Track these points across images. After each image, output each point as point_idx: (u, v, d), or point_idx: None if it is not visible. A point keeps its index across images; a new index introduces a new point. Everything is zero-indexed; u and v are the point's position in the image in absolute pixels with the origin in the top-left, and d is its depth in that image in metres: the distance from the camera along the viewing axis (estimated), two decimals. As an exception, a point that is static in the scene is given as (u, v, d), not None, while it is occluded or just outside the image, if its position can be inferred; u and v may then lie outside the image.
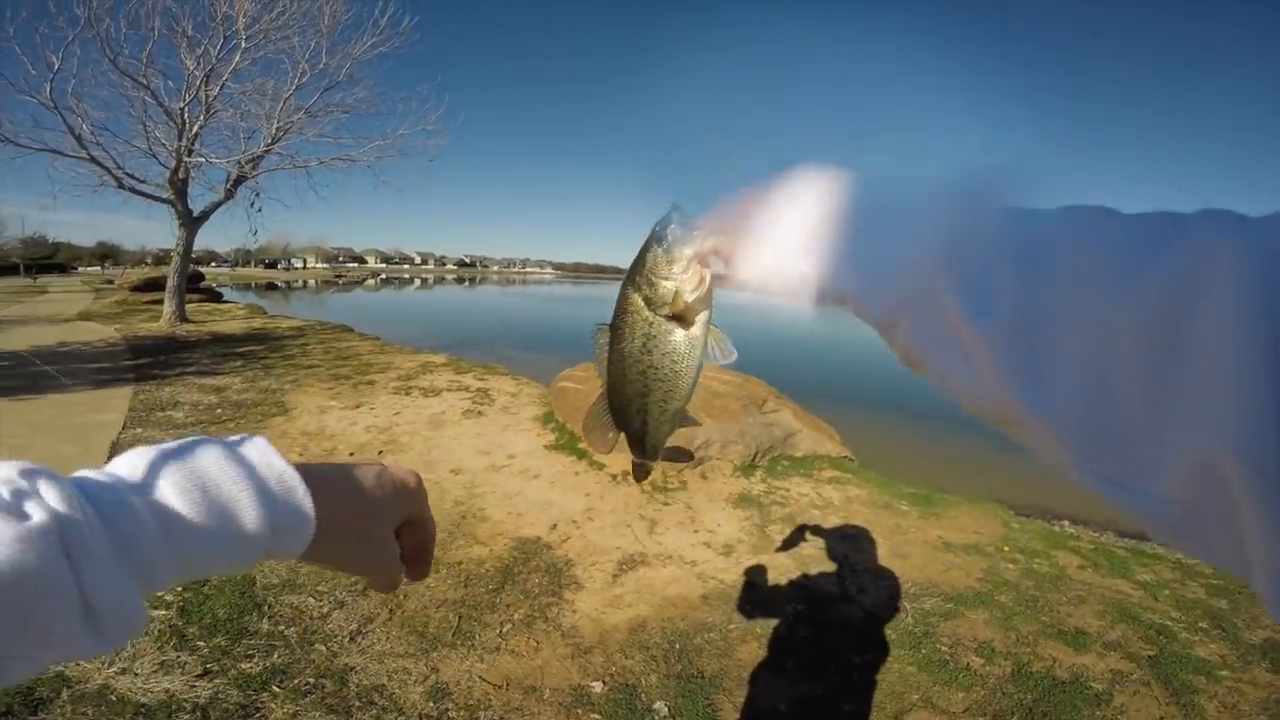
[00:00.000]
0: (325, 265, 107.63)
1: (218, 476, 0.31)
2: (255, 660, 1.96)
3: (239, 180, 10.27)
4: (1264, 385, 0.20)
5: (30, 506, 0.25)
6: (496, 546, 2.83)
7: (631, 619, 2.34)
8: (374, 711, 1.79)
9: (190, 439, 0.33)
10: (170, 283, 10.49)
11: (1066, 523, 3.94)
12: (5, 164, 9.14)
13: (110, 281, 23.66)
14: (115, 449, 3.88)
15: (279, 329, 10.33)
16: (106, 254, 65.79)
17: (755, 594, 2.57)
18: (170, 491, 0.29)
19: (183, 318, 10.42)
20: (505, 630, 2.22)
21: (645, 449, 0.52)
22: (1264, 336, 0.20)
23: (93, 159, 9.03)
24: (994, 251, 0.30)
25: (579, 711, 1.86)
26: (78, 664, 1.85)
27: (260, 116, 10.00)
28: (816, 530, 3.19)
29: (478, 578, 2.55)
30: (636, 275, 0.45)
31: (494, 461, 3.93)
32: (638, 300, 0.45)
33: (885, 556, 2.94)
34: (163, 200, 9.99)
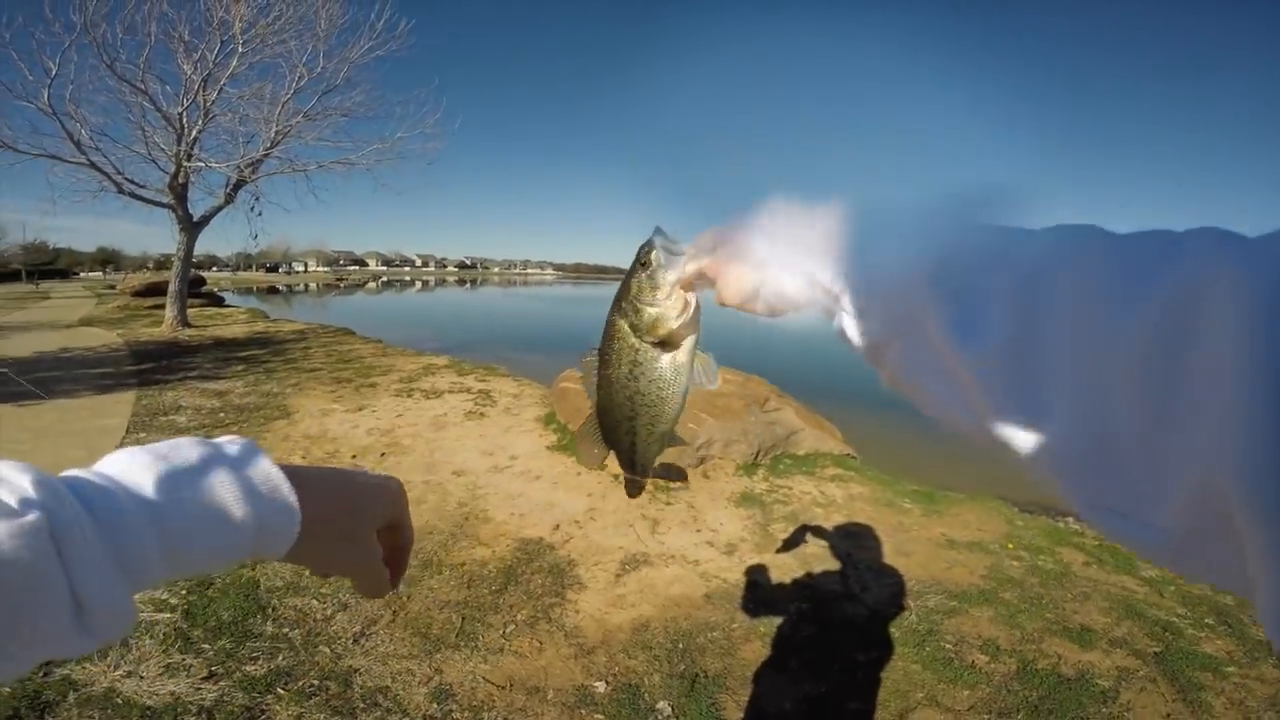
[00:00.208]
0: (326, 269, 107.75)
1: (205, 476, 0.32)
2: (260, 663, 1.96)
3: (239, 184, 10.28)
4: (1263, 410, 0.20)
5: (21, 504, 0.25)
6: (499, 547, 2.83)
7: (634, 619, 2.34)
8: (378, 713, 1.79)
9: (178, 439, 0.34)
10: (172, 287, 10.51)
11: (1070, 519, 3.93)
12: (5, 170, 9.17)
13: (112, 287, 23.71)
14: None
15: (281, 333, 10.35)
16: (108, 259, 65.96)
17: (758, 593, 2.56)
18: (159, 490, 0.30)
19: (185, 322, 10.44)
20: (508, 631, 2.22)
21: (635, 467, 0.53)
22: (1262, 362, 0.20)
23: (92, 164, 9.04)
24: (984, 275, 0.29)
25: (582, 712, 1.85)
26: (84, 666, 1.85)
27: (259, 121, 10.01)
28: (819, 529, 3.18)
29: (481, 579, 2.55)
30: (622, 302, 0.45)
31: (496, 463, 3.93)
32: (624, 326, 0.46)
33: (889, 554, 2.94)
34: (163, 205, 10.00)
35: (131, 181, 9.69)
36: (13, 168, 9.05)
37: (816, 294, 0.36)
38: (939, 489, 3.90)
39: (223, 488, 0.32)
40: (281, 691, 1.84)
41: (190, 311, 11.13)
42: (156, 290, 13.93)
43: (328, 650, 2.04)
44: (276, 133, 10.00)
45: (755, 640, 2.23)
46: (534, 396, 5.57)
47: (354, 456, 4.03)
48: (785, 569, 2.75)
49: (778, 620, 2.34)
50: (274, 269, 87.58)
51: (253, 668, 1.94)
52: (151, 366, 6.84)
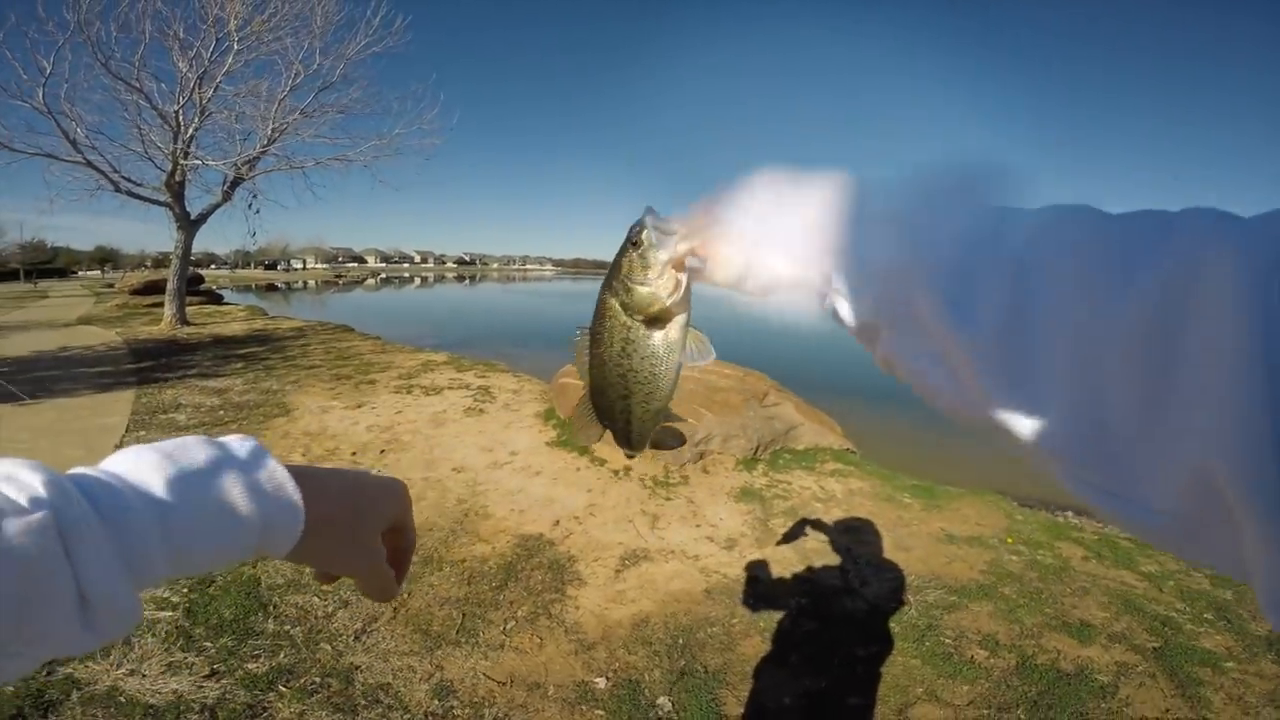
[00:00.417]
0: (325, 265, 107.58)
1: (211, 474, 0.32)
2: (261, 660, 1.97)
3: (236, 182, 10.25)
4: (1257, 392, 0.19)
5: (31, 502, 0.26)
6: (499, 544, 2.84)
7: (634, 614, 2.35)
8: (379, 710, 1.80)
9: (184, 438, 0.34)
10: (170, 286, 10.49)
11: (1070, 514, 3.93)
12: (2, 169, 9.12)
13: (110, 285, 23.69)
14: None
15: (280, 330, 10.34)
16: (106, 258, 65.81)
17: (758, 588, 2.57)
18: (165, 488, 0.30)
19: (183, 320, 10.43)
20: (509, 627, 2.23)
21: (631, 444, 0.53)
22: (1257, 343, 0.20)
23: (89, 163, 9.00)
24: (977, 256, 0.29)
25: (583, 708, 1.86)
26: (86, 665, 1.86)
27: (255, 118, 9.97)
28: (819, 523, 3.19)
29: (481, 575, 2.56)
30: (613, 281, 0.45)
31: (496, 459, 3.94)
32: (615, 305, 0.46)
33: (888, 549, 2.94)
34: (160, 203, 9.97)
35: (128, 180, 9.66)
36: (9, 167, 9.02)
37: (808, 274, 0.36)
38: (939, 484, 3.90)
39: (229, 486, 0.32)
40: (283, 689, 1.85)
41: (189, 309, 11.12)
42: (155, 288, 13.91)
43: (329, 647, 2.05)
44: (273, 130, 9.96)
45: (755, 635, 2.24)
46: (533, 392, 5.57)
47: (353, 454, 4.03)
48: (785, 564, 2.76)
49: (778, 615, 2.35)
50: (272, 266, 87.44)
51: (254, 665, 1.94)
52: (150, 365, 6.84)
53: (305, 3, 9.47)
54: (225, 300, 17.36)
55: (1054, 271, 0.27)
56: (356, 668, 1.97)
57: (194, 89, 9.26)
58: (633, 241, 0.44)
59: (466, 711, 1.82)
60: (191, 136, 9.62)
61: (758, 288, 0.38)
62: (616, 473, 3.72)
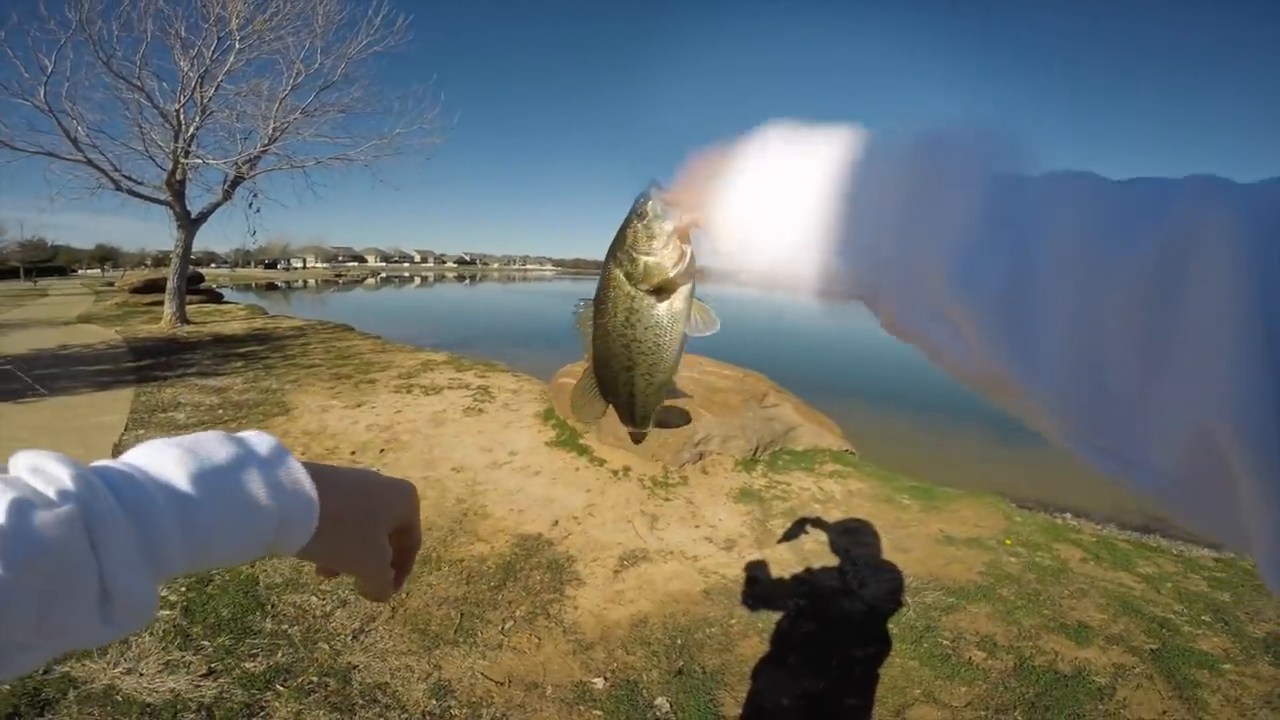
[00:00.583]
0: (325, 265, 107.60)
1: (231, 469, 0.32)
2: (259, 659, 1.97)
3: (236, 181, 10.25)
4: (1256, 354, 0.20)
5: (57, 494, 0.26)
6: (498, 544, 2.84)
7: (633, 615, 2.35)
8: (377, 709, 1.80)
9: (203, 433, 0.34)
10: (170, 284, 10.49)
11: (1068, 515, 3.94)
12: (2, 167, 9.15)
13: (110, 284, 23.67)
14: (118, 450, 3.88)
15: (280, 329, 10.33)
16: (106, 256, 65.80)
17: (757, 589, 2.57)
18: (186, 482, 0.30)
19: (183, 319, 10.42)
20: (507, 627, 2.23)
21: (635, 419, 0.53)
22: (1255, 306, 0.20)
23: (89, 161, 9.01)
24: (980, 221, 0.29)
25: (581, 708, 1.86)
26: (83, 664, 1.86)
27: (256, 117, 9.97)
28: (818, 524, 3.19)
29: (479, 575, 2.56)
30: (618, 251, 0.45)
31: (495, 459, 3.94)
32: (619, 275, 0.45)
33: (887, 550, 2.94)
34: (161, 202, 9.97)
35: (129, 178, 9.67)
36: (10, 165, 9.05)
37: (807, 244, 0.35)
38: (937, 485, 3.90)
39: (248, 482, 0.32)
40: (280, 688, 1.85)
41: (189, 308, 11.11)
42: (155, 287, 13.91)
43: (327, 647, 2.05)
44: (274, 129, 9.96)
45: (754, 636, 2.24)
46: (533, 392, 5.57)
47: (353, 453, 4.03)
48: (784, 565, 2.76)
49: (776, 616, 2.35)
50: (273, 265, 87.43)
51: (252, 664, 1.94)
52: (150, 363, 6.83)
53: (307, 2, 9.48)
54: (225, 299, 17.36)
55: (1055, 234, 0.27)
56: (354, 667, 1.97)
57: (195, 88, 9.27)
58: (637, 211, 0.44)
59: (464, 711, 1.82)
60: (192, 135, 9.63)
61: (762, 259, 0.37)
62: (616, 473, 3.72)
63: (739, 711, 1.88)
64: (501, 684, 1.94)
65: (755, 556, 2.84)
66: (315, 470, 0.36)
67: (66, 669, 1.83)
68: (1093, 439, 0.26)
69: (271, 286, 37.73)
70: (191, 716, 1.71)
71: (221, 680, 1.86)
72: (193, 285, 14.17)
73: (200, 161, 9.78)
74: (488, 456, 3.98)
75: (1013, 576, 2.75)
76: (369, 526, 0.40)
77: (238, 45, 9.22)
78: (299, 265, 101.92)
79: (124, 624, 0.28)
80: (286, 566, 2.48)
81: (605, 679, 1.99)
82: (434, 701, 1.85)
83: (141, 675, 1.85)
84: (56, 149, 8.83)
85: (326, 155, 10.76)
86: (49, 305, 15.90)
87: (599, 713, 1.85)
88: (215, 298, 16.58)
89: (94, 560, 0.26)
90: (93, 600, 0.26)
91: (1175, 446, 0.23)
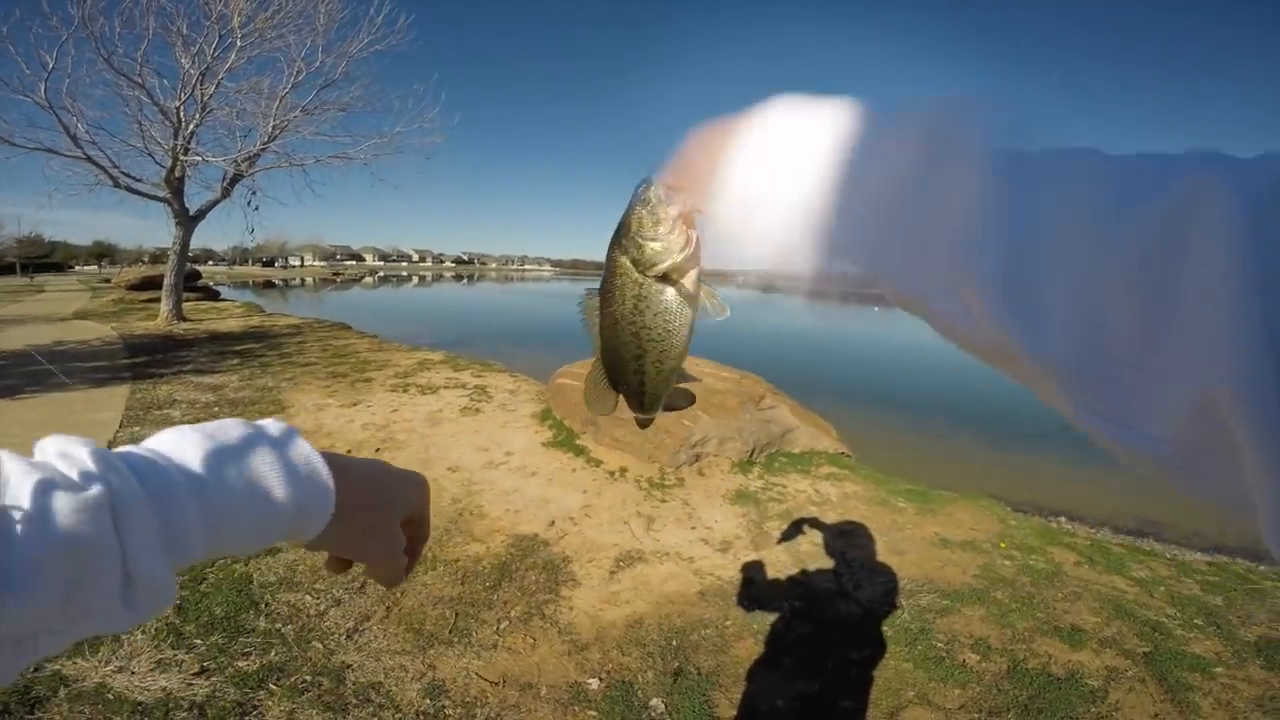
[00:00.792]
0: (323, 263, 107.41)
1: (251, 456, 0.33)
2: (252, 658, 1.96)
3: (235, 179, 10.24)
4: (1255, 324, 0.20)
5: (83, 477, 0.27)
6: (494, 544, 2.83)
7: (629, 616, 2.35)
8: (371, 709, 1.79)
9: (223, 420, 0.35)
10: (167, 281, 10.46)
11: (1063, 519, 3.95)
12: (1, 163, 9.10)
13: (107, 280, 23.59)
14: (112, 448, 3.86)
15: (276, 327, 10.31)
16: (103, 253, 65.58)
17: (752, 590, 2.57)
18: (207, 469, 0.31)
19: (180, 316, 10.39)
20: (502, 627, 2.22)
21: (644, 406, 0.53)
22: (1254, 276, 0.20)
23: (88, 158, 8.99)
24: (986, 194, 0.30)
25: (576, 708, 1.86)
26: (74, 662, 1.85)
27: (256, 115, 9.96)
28: (814, 527, 3.19)
29: (475, 575, 2.56)
30: (623, 238, 0.45)
31: (491, 459, 3.93)
32: (625, 263, 0.45)
33: (882, 553, 2.95)
34: (159, 199, 9.95)
35: (128, 175, 9.65)
36: (9, 161, 9.00)
37: (810, 222, 0.35)
38: (933, 488, 3.91)
39: (267, 470, 0.33)
40: (274, 687, 1.84)
41: (185, 305, 11.08)
42: (151, 284, 13.86)
43: (320, 646, 2.04)
44: (274, 127, 9.96)
45: (749, 638, 2.24)
46: (530, 393, 5.57)
47: (349, 451, 4.01)
48: (779, 567, 2.76)
49: (771, 618, 2.35)
50: (270, 263, 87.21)
51: (245, 663, 1.93)
52: (146, 360, 6.81)
53: (309, 0, 9.48)
54: (222, 296, 17.30)
55: (1059, 207, 0.27)
56: (348, 666, 1.96)
57: (196, 85, 9.26)
58: (641, 198, 0.43)
59: (458, 711, 1.82)
60: (192, 133, 9.61)
61: (763, 239, 0.37)
62: (612, 474, 3.72)
63: (734, 713, 1.88)
64: (496, 684, 1.94)
65: (751, 558, 2.84)
66: (331, 459, 0.37)
67: (57, 667, 1.82)
68: (1096, 404, 0.26)
69: (269, 284, 37.61)
70: (183, 715, 1.70)
71: (214, 679, 1.85)
72: (190, 282, 14.11)
73: (199, 159, 9.76)
74: (484, 456, 3.97)
75: (1007, 580, 2.76)
76: (383, 515, 0.40)
77: (239, 43, 9.22)
78: (296, 263, 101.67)
79: (145, 609, 0.28)
80: (280, 565, 2.48)
81: (600, 680, 1.99)
82: (428, 701, 1.84)
83: (133, 673, 1.85)
84: (56, 145, 8.82)
85: (326, 153, 10.77)
86: (45, 301, 15.83)
87: (594, 713, 1.84)
88: (212, 295, 16.53)
89: (118, 545, 0.26)
90: (116, 584, 0.27)
91: (1177, 414, 0.23)
